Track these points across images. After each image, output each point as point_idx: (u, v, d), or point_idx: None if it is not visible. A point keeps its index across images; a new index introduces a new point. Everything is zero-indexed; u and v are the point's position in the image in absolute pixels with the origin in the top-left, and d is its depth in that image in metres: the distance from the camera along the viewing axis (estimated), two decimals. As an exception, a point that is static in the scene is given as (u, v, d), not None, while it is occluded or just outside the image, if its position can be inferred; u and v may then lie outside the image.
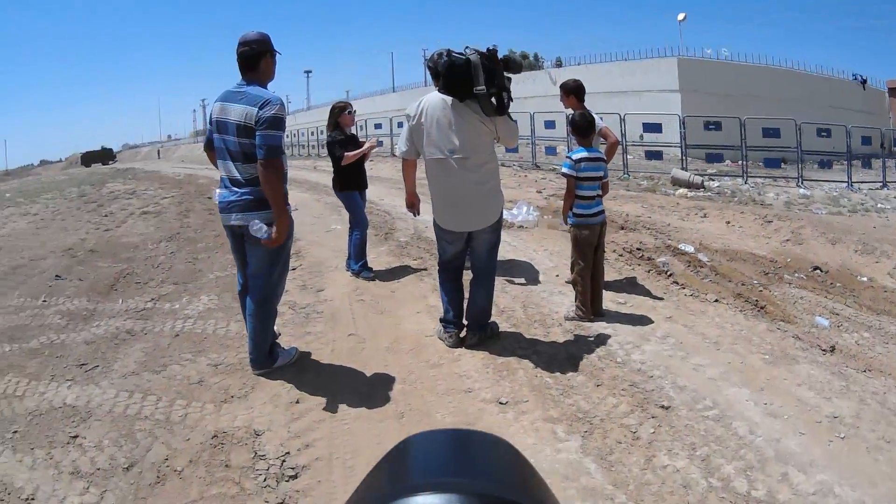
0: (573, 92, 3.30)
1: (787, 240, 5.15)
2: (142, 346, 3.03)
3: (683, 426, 2.02)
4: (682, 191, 8.08)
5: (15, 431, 2.27)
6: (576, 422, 2.07)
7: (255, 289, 2.43)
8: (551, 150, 10.97)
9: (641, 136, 10.17)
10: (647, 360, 2.48)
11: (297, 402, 2.36)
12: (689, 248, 4.32)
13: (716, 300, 3.23)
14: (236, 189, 2.28)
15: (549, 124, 10.63)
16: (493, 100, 2.36)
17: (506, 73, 2.39)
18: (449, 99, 2.45)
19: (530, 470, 0.30)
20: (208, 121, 2.44)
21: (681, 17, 22.29)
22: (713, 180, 8.99)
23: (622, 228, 5.12)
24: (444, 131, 2.46)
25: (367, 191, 4.10)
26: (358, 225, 3.95)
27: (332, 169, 4.00)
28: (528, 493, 0.28)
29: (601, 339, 2.70)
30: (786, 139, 9.39)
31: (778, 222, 5.59)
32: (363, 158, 3.94)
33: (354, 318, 3.21)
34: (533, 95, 16.25)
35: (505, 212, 3.35)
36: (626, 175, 9.03)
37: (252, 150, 2.21)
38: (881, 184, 9.32)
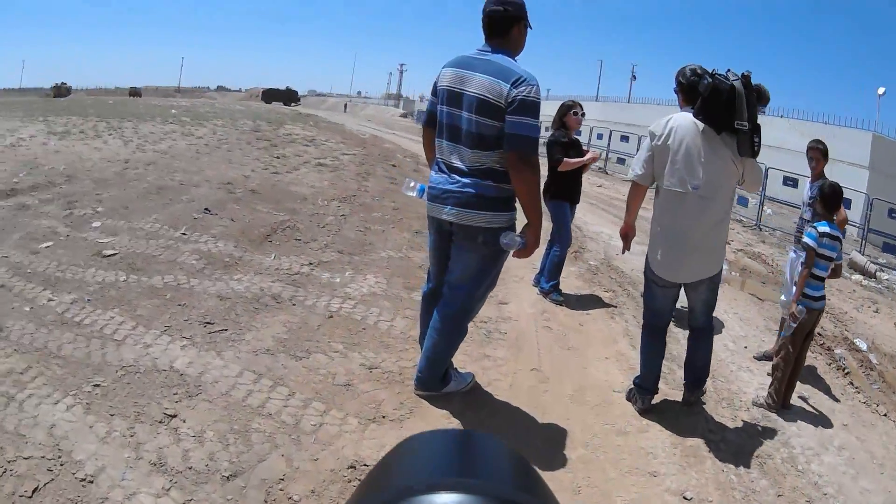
0: (824, 156, 5.93)
1: (971, 354, 7.96)
2: (286, 318, 4.59)
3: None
4: (857, 276, 13.07)
5: (96, 385, 3.64)
6: None
7: (453, 300, 3.82)
8: (742, 201, 17.18)
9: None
10: (823, 474, 4.23)
11: (463, 445, 3.51)
12: (863, 346, 7.20)
13: (885, 413, 5.39)
14: (457, 177, 3.59)
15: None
16: (753, 139, 3.93)
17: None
18: (702, 125, 4.02)
19: (535, 474, 0.55)
20: (432, 90, 3.83)
21: (881, 91, 36.98)
22: (884, 272, 14.37)
23: None
24: (692, 162, 4.03)
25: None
26: (561, 240, 6.48)
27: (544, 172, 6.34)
28: (534, 496, 0.50)
29: (786, 439, 4.57)
30: None
31: None
32: (582, 169, 6.54)
33: (539, 350, 5.10)
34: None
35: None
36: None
37: (492, 133, 3.47)
38: None
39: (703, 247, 4.16)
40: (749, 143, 3.97)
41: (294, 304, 4.81)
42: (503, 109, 3.39)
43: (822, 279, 4.98)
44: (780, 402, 4.93)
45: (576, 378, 4.71)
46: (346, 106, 72.00)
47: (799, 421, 4.84)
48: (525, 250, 3.62)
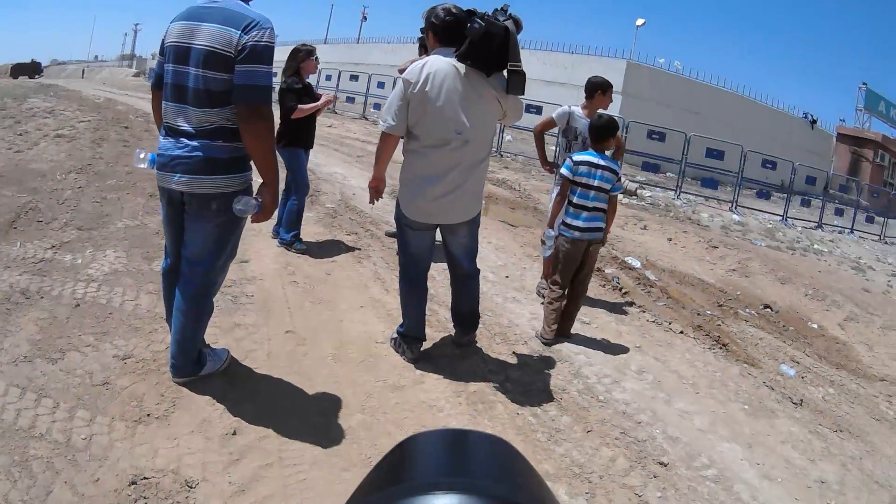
0: (608, 89, 5.99)
1: (734, 269, 8.96)
2: (37, 315, 4.59)
3: (686, 488, 3.60)
4: (629, 200, 14.30)
5: None
6: (574, 479, 3.47)
7: (192, 278, 3.59)
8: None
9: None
10: (630, 402, 4.22)
11: (234, 433, 3.55)
12: (637, 264, 7.63)
13: (681, 331, 5.68)
14: (185, 141, 3.25)
15: None
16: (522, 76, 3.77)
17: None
18: (462, 68, 3.85)
19: (531, 470, 0.59)
20: (160, 49, 3.45)
21: (640, 22, 36.69)
22: (645, 189, 16.96)
23: None
24: (454, 106, 3.84)
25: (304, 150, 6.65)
26: (298, 189, 6.56)
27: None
28: (532, 495, 0.54)
29: (577, 370, 4.53)
30: (728, 163, 19.01)
31: (724, 249, 9.79)
32: (316, 113, 6.58)
33: (290, 308, 5.16)
34: (395, 65, 27.06)
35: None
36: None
37: (220, 88, 3.18)
38: (816, 224, 19.19)
39: (463, 189, 4.02)
40: (522, 82, 3.88)
41: (42, 297, 5.06)
42: (233, 59, 3.14)
43: (590, 209, 4.93)
44: (554, 332, 4.97)
45: (333, 334, 4.76)
46: (83, 71, 69.88)
47: (586, 349, 4.92)
48: (263, 213, 3.42)
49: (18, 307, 4.81)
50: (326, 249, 6.74)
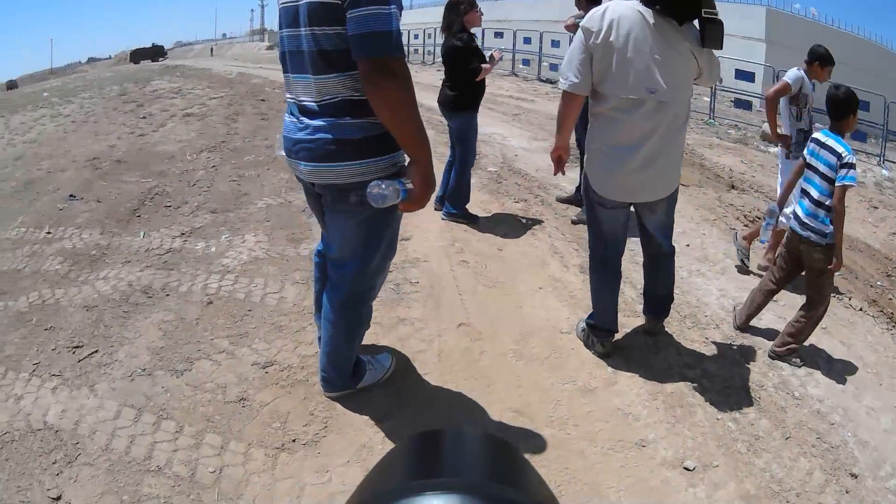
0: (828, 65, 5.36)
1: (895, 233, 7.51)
2: (160, 317, 3.85)
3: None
4: (775, 149, 12.08)
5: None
6: (773, 500, 2.84)
7: (340, 283, 2.88)
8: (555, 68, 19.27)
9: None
10: (823, 398, 3.58)
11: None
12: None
13: (860, 308, 4.81)
14: (306, 120, 2.57)
15: (555, 43, 20.29)
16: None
17: None
18: (649, 13, 3.16)
19: (532, 470, 0.52)
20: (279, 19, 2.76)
21: None
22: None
23: (733, 188, 7.95)
24: (645, 61, 3.16)
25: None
26: (467, 158, 5.52)
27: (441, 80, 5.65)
28: (530, 492, 0.48)
29: (769, 358, 3.90)
30: (873, 114, 15.65)
31: (884, 210, 8.43)
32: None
33: (462, 296, 4.25)
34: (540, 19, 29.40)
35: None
36: (711, 121, 14.33)
37: (336, 46, 2.43)
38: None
39: (663, 160, 3.37)
40: (720, 33, 3.24)
41: (167, 295, 4.12)
42: (341, 7, 2.35)
43: (813, 200, 3.86)
44: (744, 322, 4.24)
45: (513, 325, 3.94)
46: (212, 50, 71.06)
47: (776, 331, 4.12)
48: (413, 201, 2.51)
49: (138, 309, 3.98)
50: (495, 221, 5.75)
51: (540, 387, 3.36)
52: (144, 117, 10.68)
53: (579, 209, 5.61)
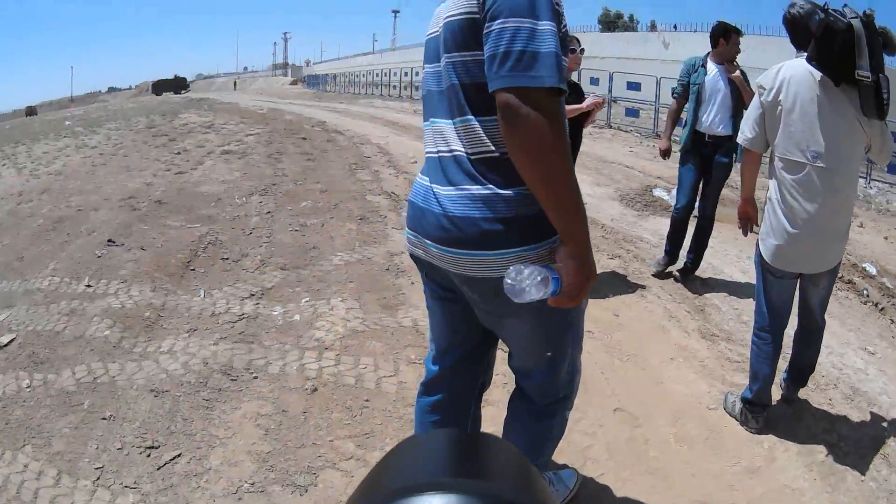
0: None
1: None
2: (255, 409, 3.21)
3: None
4: None
5: None
6: None
7: (530, 392, 2.39)
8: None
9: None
10: None
11: None
12: (873, 271, 6.59)
13: None
14: (444, 187, 1.98)
15: (594, 81, 20.55)
16: (881, 94, 3.04)
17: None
18: (818, 76, 3.17)
19: (530, 469, 0.56)
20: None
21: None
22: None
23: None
24: (810, 123, 3.22)
25: None
26: None
27: None
28: (530, 494, 0.52)
29: (885, 411, 3.91)
30: None
31: None
32: (584, 119, 4.96)
33: (604, 373, 4.02)
34: (640, 57, 32.34)
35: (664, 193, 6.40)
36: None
37: (479, 77, 1.88)
38: None
39: (829, 230, 3.41)
40: (872, 99, 3.12)
41: (256, 377, 3.52)
42: (481, 21, 1.83)
43: None
44: None
45: (662, 404, 3.82)
46: (235, 83, 73.20)
47: (887, 386, 4.21)
48: (564, 295, 1.86)
49: (223, 396, 3.38)
50: (599, 280, 5.01)
51: (711, 473, 3.26)
52: (179, 153, 10.34)
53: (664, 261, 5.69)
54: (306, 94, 41.52)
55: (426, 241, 2.01)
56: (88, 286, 4.81)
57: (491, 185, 1.89)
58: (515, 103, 1.73)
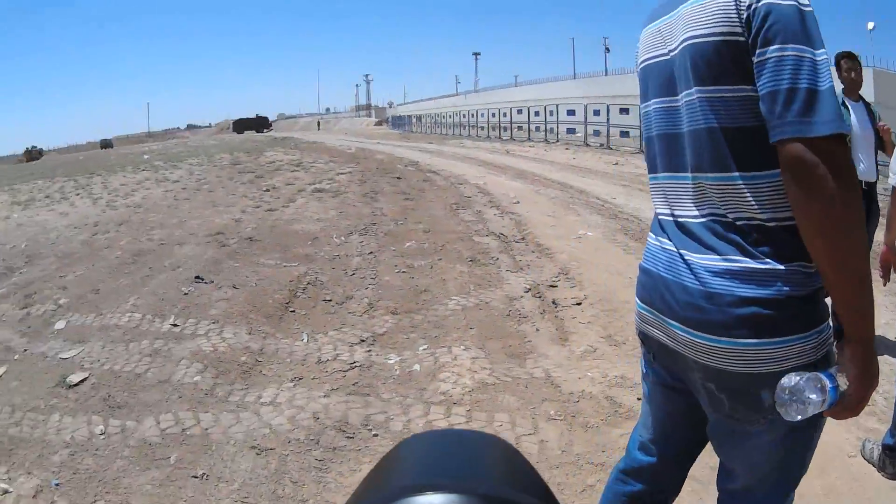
0: None
1: None
2: None
3: None
4: None
5: None
6: None
7: None
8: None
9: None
10: None
11: None
12: None
13: None
14: (710, 250, 1.62)
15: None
16: None
17: None
18: None
19: (532, 470, 0.55)
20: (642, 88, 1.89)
21: (870, 26, 37.06)
22: None
23: None
24: None
25: None
26: None
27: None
28: (531, 494, 0.51)
29: None
30: None
31: None
32: None
33: None
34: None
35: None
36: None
37: (749, 119, 1.54)
38: None
39: None
40: None
41: (376, 435, 3.13)
42: (746, 45, 1.49)
43: None
44: None
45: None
46: (318, 123, 76.10)
47: None
48: (846, 406, 1.56)
49: (339, 456, 3.00)
50: None
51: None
52: (268, 190, 10.28)
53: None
54: (392, 134, 42.26)
55: (669, 321, 1.67)
56: (175, 325, 4.53)
57: (767, 259, 1.54)
58: (811, 160, 1.42)
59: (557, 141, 25.83)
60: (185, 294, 5.13)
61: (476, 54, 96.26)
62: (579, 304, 5.03)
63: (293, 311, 4.80)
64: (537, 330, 4.46)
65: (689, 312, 1.60)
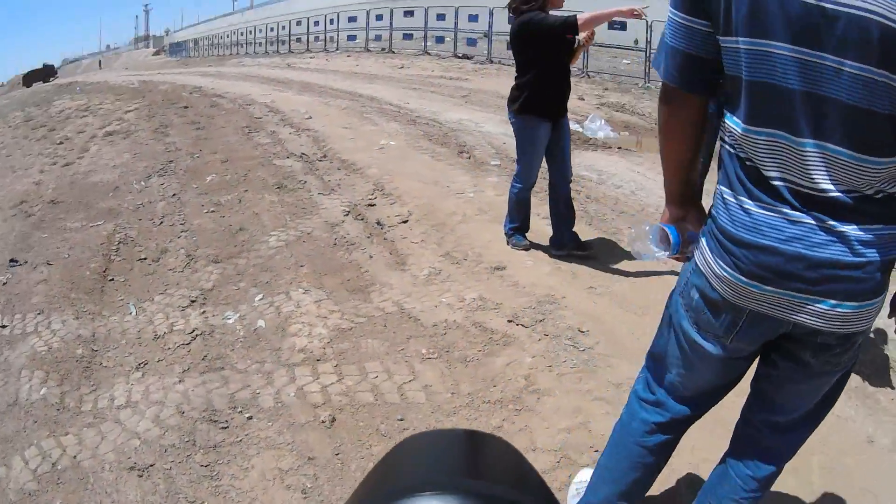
0: None
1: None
2: (272, 463, 2.35)
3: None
4: None
5: None
6: None
7: (781, 451, 1.76)
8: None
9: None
10: None
11: None
12: None
13: None
14: (834, 223, 1.36)
15: (473, 17, 18.86)
16: None
17: None
18: None
19: (530, 468, 0.49)
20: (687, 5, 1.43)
21: None
22: None
23: None
24: None
25: None
26: (520, 174, 4.02)
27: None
28: (530, 493, 0.45)
29: None
30: None
31: None
32: (575, 51, 3.88)
33: (633, 333, 3.21)
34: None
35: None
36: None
37: None
38: None
39: None
40: None
41: (250, 418, 2.57)
42: None
43: None
44: None
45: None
46: (100, 62, 66.54)
47: None
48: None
49: (223, 455, 2.42)
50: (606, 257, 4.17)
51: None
52: (61, 142, 8.58)
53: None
54: (171, 62, 37.84)
55: (807, 297, 1.40)
56: (3, 326, 3.62)
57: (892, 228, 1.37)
58: None
59: (337, 50, 23.31)
60: (4, 284, 4.14)
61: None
62: (405, 221, 4.57)
63: (112, 280, 4.01)
64: (371, 257, 4.03)
65: (840, 284, 1.37)
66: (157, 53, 55.54)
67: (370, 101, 10.20)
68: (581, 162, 6.42)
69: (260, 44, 31.59)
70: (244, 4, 71.82)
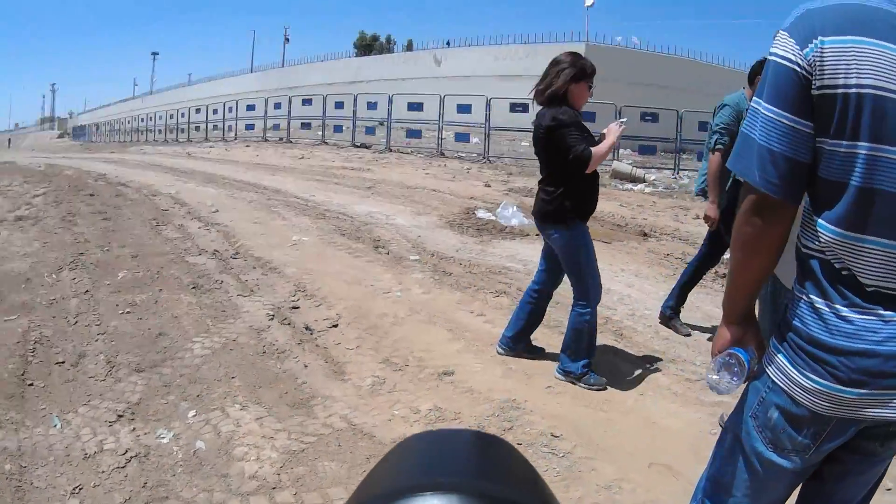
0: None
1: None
2: None
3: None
4: (639, 186, 12.38)
5: None
6: None
7: None
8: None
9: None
10: None
11: None
12: None
13: None
14: None
15: (371, 105, 18.67)
16: None
17: None
18: None
19: (531, 470, 0.46)
20: (788, 102, 1.23)
21: (589, 2, 30.89)
22: (650, 173, 14.21)
23: (644, 235, 7.51)
24: None
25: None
26: (588, 293, 3.35)
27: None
28: (530, 493, 0.43)
29: None
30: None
31: None
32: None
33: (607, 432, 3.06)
34: (414, 77, 32.01)
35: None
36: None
37: None
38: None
39: None
40: None
41: None
42: None
43: None
44: None
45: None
46: (9, 141, 61.75)
47: None
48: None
49: None
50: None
51: None
52: None
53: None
54: (74, 146, 35.26)
55: None
56: None
57: None
58: None
59: (236, 139, 22.34)
60: None
61: (154, 54, 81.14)
62: (335, 325, 4.27)
63: (31, 385, 3.45)
64: (305, 366, 3.70)
65: None
66: (61, 136, 51.92)
67: (276, 194, 9.80)
68: (501, 252, 6.41)
69: (160, 131, 29.76)
70: (145, 89, 68.37)
